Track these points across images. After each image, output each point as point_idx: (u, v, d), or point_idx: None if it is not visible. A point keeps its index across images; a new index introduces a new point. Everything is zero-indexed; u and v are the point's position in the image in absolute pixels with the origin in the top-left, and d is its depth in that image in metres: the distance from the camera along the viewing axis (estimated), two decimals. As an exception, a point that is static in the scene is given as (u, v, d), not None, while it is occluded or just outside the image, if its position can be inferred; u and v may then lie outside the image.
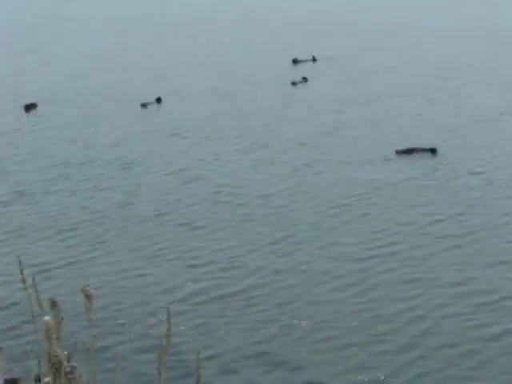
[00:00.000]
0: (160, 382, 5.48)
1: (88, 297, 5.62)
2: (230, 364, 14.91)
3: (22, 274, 5.88)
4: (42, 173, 27.46)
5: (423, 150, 28.66)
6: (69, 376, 5.24)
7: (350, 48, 55.22)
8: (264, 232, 21.45)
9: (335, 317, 16.65)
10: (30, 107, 38.12)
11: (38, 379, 5.49)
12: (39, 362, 5.61)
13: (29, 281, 5.84)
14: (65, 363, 5.21)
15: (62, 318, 5.43)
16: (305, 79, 44.17)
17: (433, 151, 28.74)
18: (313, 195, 24.55)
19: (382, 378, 14.35)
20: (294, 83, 43.34)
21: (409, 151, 28.68)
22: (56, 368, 5.15)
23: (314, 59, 51.23)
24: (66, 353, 5.29)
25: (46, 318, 5.17)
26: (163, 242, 20.87)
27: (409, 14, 77.25)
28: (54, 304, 5.42)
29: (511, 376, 14.45)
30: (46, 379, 5.24)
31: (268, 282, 18.33)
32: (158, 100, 39.10)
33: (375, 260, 19.46)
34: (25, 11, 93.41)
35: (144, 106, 38.31)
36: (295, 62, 50.69)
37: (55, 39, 64.73)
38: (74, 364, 5.33)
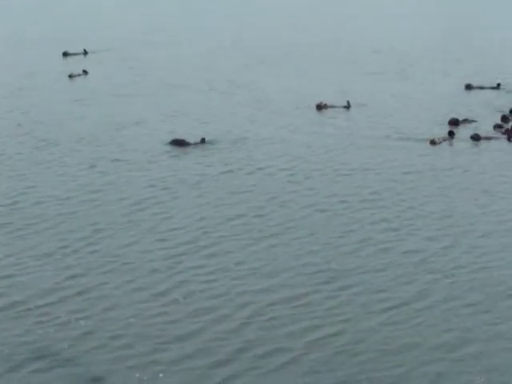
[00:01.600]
0: None
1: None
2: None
3: None
4: None
5: (195, 143, 28.74)
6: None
7: (129, 40, 54.70)
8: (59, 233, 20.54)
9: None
10: None
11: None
12: None
13: None
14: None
15: None
16: (85, 72, 43.12)
17: (203, 141, 28.85)
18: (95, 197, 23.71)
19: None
20: (71, 76, 42.23)
21: (179, 142, 28.65)
22: None
23: (85, 52, 50.21)
24: None
25: None
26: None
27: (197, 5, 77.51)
28: None
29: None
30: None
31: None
32: None
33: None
34: None
35: None
36: (65, 54, 49.43)
37: None
38: None
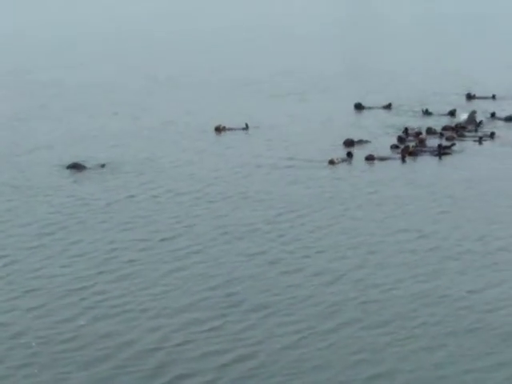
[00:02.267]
0: None
1: None
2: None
3: None
4: None
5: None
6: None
7: (32, 63, 53.97)
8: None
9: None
10: None
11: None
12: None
13: None
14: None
15: None
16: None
17: (103, 166, 29.05)
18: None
19: None
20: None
21: (78, 167, 28.80)
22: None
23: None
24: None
25: None
26: None
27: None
28: None
29: None
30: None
31: None
32: None
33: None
34: None
35: None
36: None
37: None
38: None
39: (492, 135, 33.62)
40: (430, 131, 33.99)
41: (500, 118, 36.54)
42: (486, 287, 19.18)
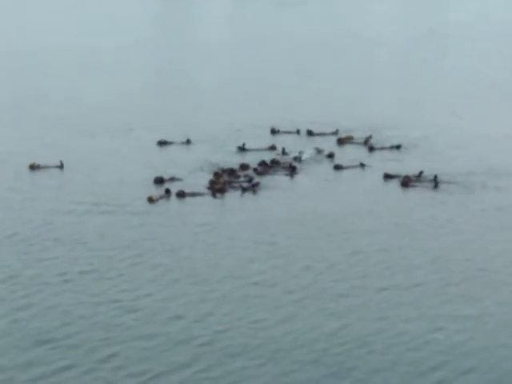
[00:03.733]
0: None
1: None
2: None
3: None
4: None
5: None
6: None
7: None
8: None
9: None
10: None
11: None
12: None
13: None
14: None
15: None
16: None
17: None
18: None
19: None
20: None
21: None
22: None
23: None
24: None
25: None
26: None
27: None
28: None
29: None
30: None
31: None
32: None
33: None
34: None
35: None
36: None
37: None
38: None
39: (294, 169, 35.27)
40: (243, 167, 35.08)
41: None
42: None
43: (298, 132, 42.14)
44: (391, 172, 34.48)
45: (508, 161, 37.21)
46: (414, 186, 33.36)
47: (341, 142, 40.18)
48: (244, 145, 38.66)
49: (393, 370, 19.30)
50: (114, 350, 19.44)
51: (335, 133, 41.43)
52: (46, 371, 18.54)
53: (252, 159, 36.26)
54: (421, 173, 34.33)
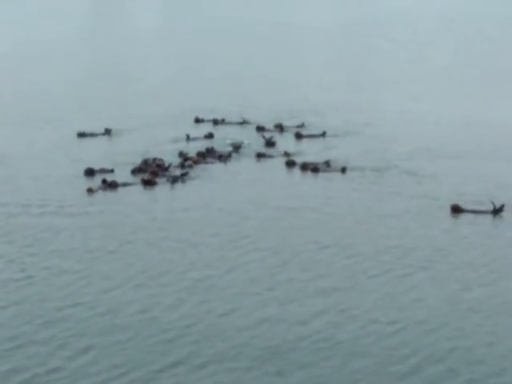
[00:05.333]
0: None
1: None
2: None
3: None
4: None
5: None
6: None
7: None
8: None
9: None
10: None
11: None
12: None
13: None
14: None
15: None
16: None
17: None
18: None
19: None
20: None
21: None
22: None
23: None
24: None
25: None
26: None
27: None
28: None
29: None
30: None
31: None
32: None
33: None
34: None
35: None
36: None
37: None
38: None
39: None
40: (181, 155, 34.75)
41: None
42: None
43: (221, 120, 41.73)
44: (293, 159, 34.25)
45: (444, 144, 37.13)
46: (323, 172, 33.10)
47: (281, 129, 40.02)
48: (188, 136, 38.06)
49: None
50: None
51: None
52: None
53: (192, 148, 35.93)
54: (328, 161, 34.01)
